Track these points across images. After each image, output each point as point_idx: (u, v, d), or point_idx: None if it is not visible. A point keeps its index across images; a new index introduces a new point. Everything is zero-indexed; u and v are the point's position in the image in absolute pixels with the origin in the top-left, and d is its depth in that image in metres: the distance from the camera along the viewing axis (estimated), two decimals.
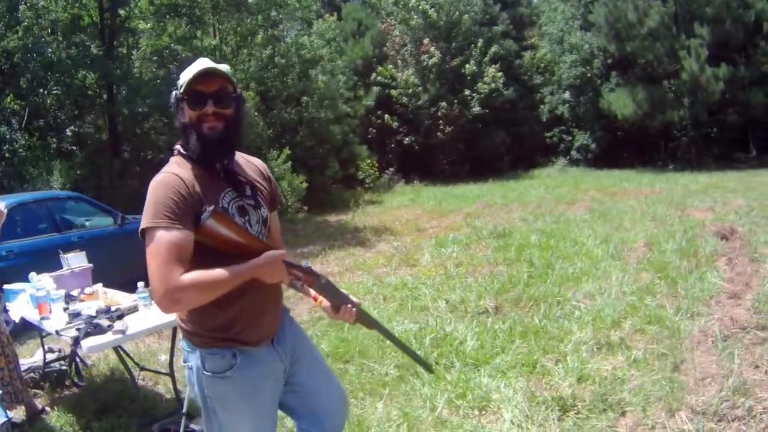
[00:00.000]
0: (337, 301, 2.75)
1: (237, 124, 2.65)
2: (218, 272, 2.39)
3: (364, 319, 2.85)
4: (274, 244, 2.77)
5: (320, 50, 25.28)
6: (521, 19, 39.15)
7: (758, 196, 15.55)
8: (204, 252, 2.45)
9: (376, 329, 2.92)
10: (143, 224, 2.44)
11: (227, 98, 2.59)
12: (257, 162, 2.95)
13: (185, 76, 2.56)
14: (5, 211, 5.05)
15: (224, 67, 2.60)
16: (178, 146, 2.66)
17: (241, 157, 2.83)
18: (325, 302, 2.77)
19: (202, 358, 2.62)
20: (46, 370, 5.95)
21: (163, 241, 2.38)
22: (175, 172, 2.52)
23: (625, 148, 32.66)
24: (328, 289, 2.71)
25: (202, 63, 2.58)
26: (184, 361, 2.74)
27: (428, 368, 3.24)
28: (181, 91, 2.57)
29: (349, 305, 2.75)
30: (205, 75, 2.53)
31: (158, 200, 2.43)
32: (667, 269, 8.55)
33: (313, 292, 2.76)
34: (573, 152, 33.89)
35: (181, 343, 2.76)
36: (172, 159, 2.64)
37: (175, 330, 5.15)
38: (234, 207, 2.61)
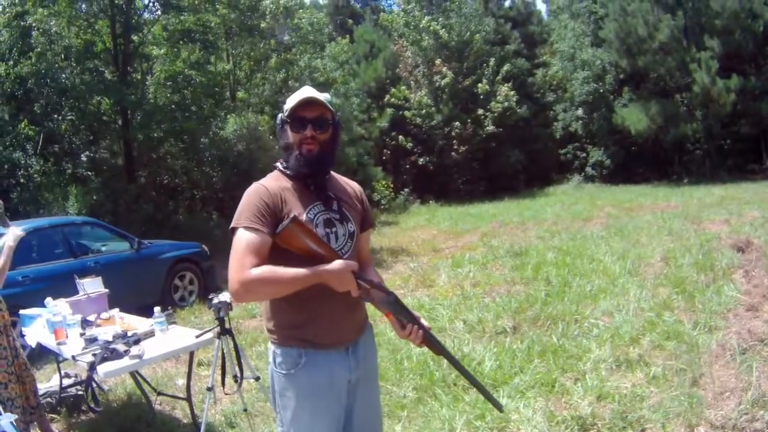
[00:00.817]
0: (404, 319, 2.79)
1: (332, 147, 2.87)
2: (285, 270, 2.55)
3: (430, 343, 2.87)
4: (361, 262, 2.93)
5: (333, 73, 25.47)
6: (532, 38, 39.30)
7: None
8: (285, 257, 2.59)
9: (444, 356, 2.94)
10: (232, 224, 2.69)
11: (324, 124, 2.80)
12: (353, 185, 3.10)
13: (290, 101, 2.78)
14: (23, 234, 5.08)
15: (325, 96, 2.81)
16: (278, 163, 2.88)
17: (338, 179, 3.04)
18: (394, 320, 2.82)
19: (275, 354, 2.78)
20: (62, 395, 5.92)
21: (242, 239, 2.60)
22: (264, 183, 2.76)
23: (640, 162, 32.59)
24: (395, 306, 2.77)
25: (307, 91, 2.79)
26: (268, 357, 2.87)
27: (498, 406, 3.17)
28: (286, 115, 2.79)
29: (416, 326, 2.80)
30: (307, 103, 2.74)
31: (244, 205, 2.68)
32: (684, 284, 8.49)
33: (385, 307, 2.81)
34: (588, 168, 33.89)
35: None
36: (270, 174, 2.87)
37: (192, 354, 5.15)
38: (320, 219, 2.77)
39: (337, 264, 2.59)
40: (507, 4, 40.46)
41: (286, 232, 2.57)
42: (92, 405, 5.92)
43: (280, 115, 2.83)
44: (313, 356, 2.71)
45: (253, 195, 2.68)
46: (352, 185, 3.07)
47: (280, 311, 2.76)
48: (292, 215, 2.61)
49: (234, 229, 2.66)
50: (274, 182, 2.76)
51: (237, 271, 2.55)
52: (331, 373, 2.75)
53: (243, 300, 2.72)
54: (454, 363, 2.98)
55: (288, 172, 2.79)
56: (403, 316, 2.78)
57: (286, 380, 2.73)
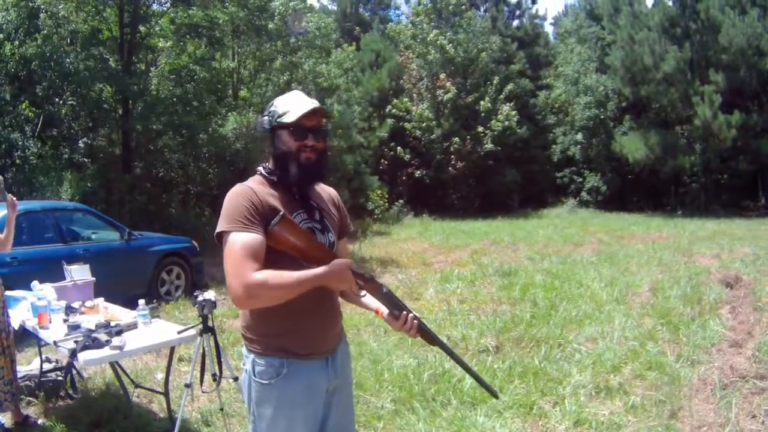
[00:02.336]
0: (397, 311, 2.80)
1: (326, 155, 2.87)
2: (289, 274, 2.52)
3: (424, 333, 2.87)
4: None
5: (337, 79, 25.48)
6: (538, 59, 39.44)
7: (765, 245, 15.51)
8: (277, 259, 2.58)
9: (438, 345, 2.95)
10: (219, 229, 2.63)
11: (323, 133, 2.81)
12: (330, 190, 3.10)
13: (287, 106, 2.75)
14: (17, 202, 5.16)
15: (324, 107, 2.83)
16: (261, 168, 2.84)
17: (316, 185, 2.99)
18: (386, 312, 2.83)
19: (254, 364, 2.73)
20: (41, 379, 5.90)
21: (237, 242, 2.55)
22: (249, 185, 2.71)
23: (636, 191, 32.70)
24: (388, 298, 2.79)
25: (305, 98, 2.80)
26: (243, 364, 2.84)
27: (493, 393, 3.22)
28: (285, 120, 2.73)
29: (410, 315, 2.81)
30: (312, 111, 2.72)
31: (232, 207, 2.62)
32: (670, 315, 8.50)
33: (373, 304, 2.87)
34: (583, 193, 33.93)
35: (242, 348, 2.85)
36: (252, 178, 2.82)
37: (172, 350, 5.15)
38: (304, 227, 2.73)
39: (336, 263, 2.59)
40: (515, 24, 40.65)
41: (277, 231, 2.57)
42: (70, 392, 5.92)
43: (266, 118, 2.79)
44: (294, 367, 2.70)
45: (240, 196, 2.64)
46: (329, 191, 3.07)
47: (263, 321, 2.72)
48: (281, 212, 2.60)
49: (223, 234, 2.61)
50: (258, 186, 2.73)
51: (237, 276, 2.50)
52: (311, 384, 2.75)
53: (246, 306, 2.66)
54: (448, 351, 2.97)
55: (272, 178, 2.77)
56: (396, 308, 2.80)
57: (264, 390, 2.71)
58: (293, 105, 2.74)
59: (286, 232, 2.58)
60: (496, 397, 3.30)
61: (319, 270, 2.55)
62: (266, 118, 2.78)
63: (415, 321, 2.81)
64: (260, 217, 2.60)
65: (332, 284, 2.63)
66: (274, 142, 2.77)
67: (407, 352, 7.15)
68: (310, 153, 2.73)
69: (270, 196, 2.69)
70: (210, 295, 4.70)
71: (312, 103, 2.75)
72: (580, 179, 34.48)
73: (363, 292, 2.80)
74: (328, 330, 2.85)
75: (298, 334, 2.70)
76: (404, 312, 2.80)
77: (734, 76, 27.24)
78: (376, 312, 2.88)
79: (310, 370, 2.74)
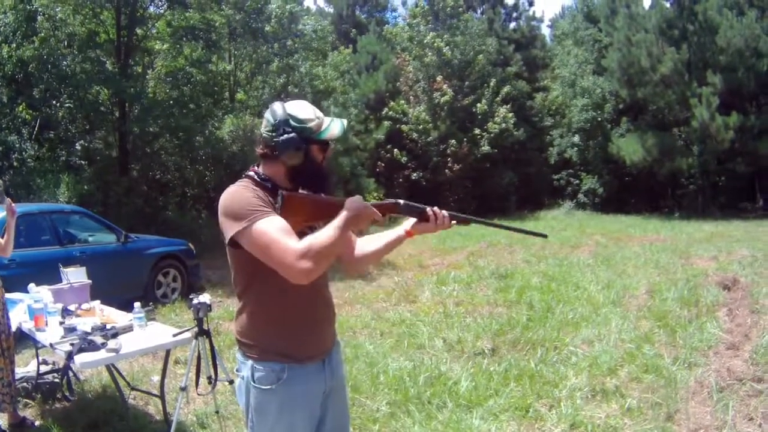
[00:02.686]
0: (421, 213, 2.85)
1: None
2: (324, 230, 2.54)
3: (456, 218, 2.92)
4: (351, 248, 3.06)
5: (333, 82, 25.53)
6: (534, 61, 39.42)
7: (763, 247, 15.51)
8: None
9: (474, 222, 3.04)
10: (236, 229, 2.56)
11: None
12: None
13: (315, 120, 2.74)
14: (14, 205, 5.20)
15: None
16: (252, 173, 2.80)
17: None
18: (418, 225, 2.88)
19: (253, 370, 2.71)
20: (38, 381, 5.93)
21: (264, 228, 2.51)
22: (244, 185, 2.70)
23: (633, 193, 32.71)
24: (408, 208, 2.84)
25: (318, 112, 2.80)
26: (237, 370, 2.84)
27: (542, 235, 3.30)
28: (321, 137, 2.74)
29: (436, 209, 2.85)
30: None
31: (239, 203, 2.59)
32: (666, 318, 8.51)
33: (396, 233, 2.95)
34: (580, 195, 33.95)
35: (237, 354, 2.84)
36: (241, 181, 2.77)
37: (168, 352, 5.14)
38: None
39: (351, 201, 2.63)
40: (512, 26, 40.63)
41: (287, 209, 2.60)
42: (67, 394, 5.93)
43: (294, 135, 2.67)
44: (294, 371, 2.69)
45: (244, 191, 2.63)
46: None
47: (260, 325, 2.72)
48: (280, 192, 2.63)
49: (242, 232, 2.53)
50: (252, 186, 2.70)
51: (289, 253, 2.46)
52: (310, 388, 2.76)
53: (313, 276, 2.53)
54: (485, 222, 3.10)
55: (266, 184, 2.73)
56: (419, 213, 2.85)
57: (264, 396, 2.69)
58: (324, 121, 2.77)
59: (295, 204, 2.62)
60: (545, 236, 3.38)
61: (341, 215, 2.57)
62: (294, 134, 2.68)
63: (443, 212, 2.85)
64: (269, 205, 2.60)
65: (360, 220, 2.63)
66: (306, 157, 2.72)
67: (403, 355, 7.16)
68: (324, 161, 2.81)
69: (267, 197, 2.66)
70: (205, 298, 4.70)
71: (340, 121, 2.79)
72: (577, 181, 34.51)
73: (386, 217, 2.80)
74: (326, 330, 2.87)
75: (296, 336, 2.71)
76: (428, 210, 2.84)
77: (732, 77, 27.26)
78: (408, 234, 2.92)
79: (310, 374, 2.75)
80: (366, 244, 3.05)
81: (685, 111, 28.10)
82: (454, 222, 2.89)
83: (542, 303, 9.63)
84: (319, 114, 2.77)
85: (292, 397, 2.70)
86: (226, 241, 2.60)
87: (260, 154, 2.78)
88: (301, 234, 2.56)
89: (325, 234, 2.50)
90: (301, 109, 2.74)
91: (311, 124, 2.71)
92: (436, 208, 2.85)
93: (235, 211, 2.57)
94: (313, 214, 2.66)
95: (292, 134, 2.67)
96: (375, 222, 2.75)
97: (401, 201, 2.83)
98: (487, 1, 39.61)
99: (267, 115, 2.76)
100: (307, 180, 2.75)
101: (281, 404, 2.68)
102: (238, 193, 2.62)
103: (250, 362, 2.72)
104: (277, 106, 2.74)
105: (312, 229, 2.63)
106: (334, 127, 2.75)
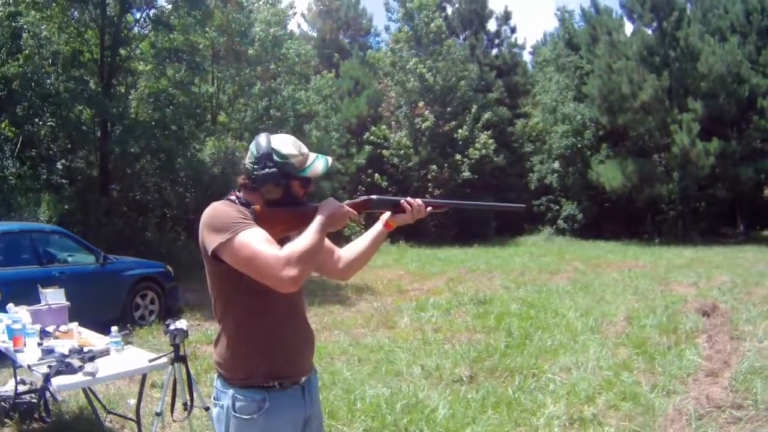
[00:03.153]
0: (396, 206, 2.92)
1: None
2: (303, 235, 2.56)
3: (430, 204, 2.98)
4: (329, 253, 3.07)
5: (316, 106, 25.54)
6: (516, 88, 39.68)
7: (743, 273, 15.64)
8: None
9: (450, 207, 3.15)
10: (219, 241, 2.54)
11: None
12: None
13: (300, 157, 2.77)
14: None
15: None
16: (233, 196, 2.78)
17: None
18: (395, 217, 2.97)
19: (234, 399, 2.67)
20: (16, 401, 5.89)
21: (247, 240, 2.50)
22: (224, 202, 2.71)
23: (612, 219, 32.85)
24: (382, 202, 2.91)
25: (304, 148, 2.83)
26: (215, 399, 2.78)
27: (519, 208, 3.40)
28: (303, 174, 2.77)
29: (410, 199, 2.92)
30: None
31: (220, 216, 2.59)
32: (645, 345, 8.53)
33: (375, 231, 3.01)
34: (560, 221, 34.12)
35: (215, 382, 2.79)
36: (222, 201, 2.76)
37: (144, 377, 5.11)
38: None
39: (325, 204, 2.70)
40: (494, 52, 40.90)
41: (263, 222, 2.60)
42: (44, 415, 5.88)
43: (275, 170, 2.68)
44: (276, 399, 2.67)
45: (225, 205, 2.65)
46: None
47: (240, 351, 2.68)
48: (251, 207, 2.65)
49: (225, 244, 2.51)
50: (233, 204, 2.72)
51: (274, 262, 2.45)
52: (292, 416, 2.74)
53: (300, 282, 2.52)
54: (461, 204, 3.35)
55: (249, 210, 2.68)
56: (393, 205, 2.92)
57: (245, 426, 2.65)
58: (309, 158, 2.80)
59: (267, 217, 2.62)
60: (522, 209, 3.50)
61: (317, 217, 2.61)
62: (275, 170, 2.68)
63: (417, 200, 2.92)
64: (249, 219, 2.59)
65: (335, 221, 2.67)
66: (286, 193, 2.74)
67: (380, 382, 7.15)
68: (304, 197, 2.83)
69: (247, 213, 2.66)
70: (182, 324, 4.69)
71: (325, 159, 2.83)
72: (557, 207, 34.69)
73: (361, 216, 2.86)
74: (306, 353, 2.87)
75: (278, 359, 2.69)
76: (402, 201, 2.91)
77: (713, 103, 27.51)
78: (387, 226, 2.98)
79: (291, 401, 2.73)
80: (349, 249, 3.07)
81: (666, 137, 28.29)
82: (429, 209, 2.96)
83: (521, 330, 9.64)
84: (305, 150, 2.79)
85: (273, 427, 2.67)
86: (209, 253, 2.57)
87: (241, 184, 2.78)
88: (280, 242, 2.57)
89: (304, 239, 2.52)
90: (286, 144, 2.75)
91: (294, 160, 2.72)
92: (409, 198, 2.92)
93: (217, 224, 2.55)
94: (287, 224, 2.69)
95: (273, 169, 2.67)
96: (352, 220, 2.79)
97: (374, 196, 2.89)
98: (470, 27, 39.88)
99: (252, 146, 2.76)
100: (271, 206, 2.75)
101: None
102: (220, 208, 2.62)
103: (230, 391, 2.68)
104: (262, 139, 2.74)
105: (288, 239, 2.64)
106: (317, 165, 2.78)
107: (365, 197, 2.88)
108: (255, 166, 2.69)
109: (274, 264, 2.44)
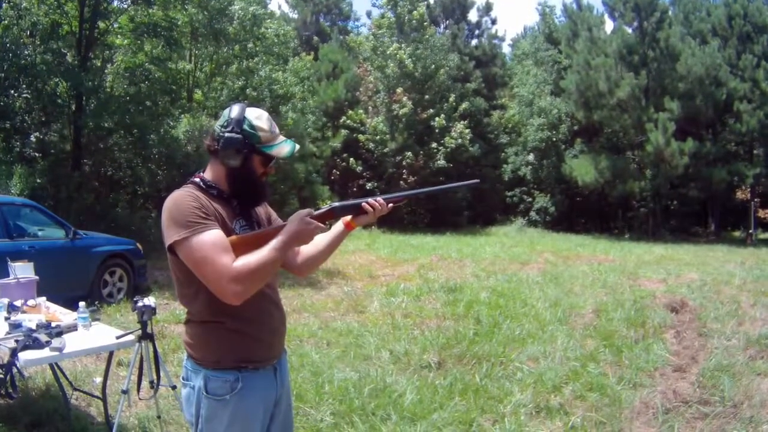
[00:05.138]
0: (356, 209, 2.93)
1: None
2: (261, 251, 2.53)
3: (390, 200, 3.01)
4: (294, 256, 3.08)
5: (293, 87, 25.41)
6: (494, 79, 39.83)
7: (712, 271, 15.81)
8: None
9: (408, 197, 3.18)
10: (172, 239, 2.53)
11: None
12: (266, 207, 3.09)
13: (270, 138, 2.76)
14: None
15: None
16: (198, 179, 2.78)
17: None
18: (356, 218, 2.98)
19: (206, 379, 2.66)
20: None
21: (202, 242, 2.49)
22: (188, 191, 2.66)
23: (584, 213, 33.18)
24: (344, 208, 2.92)
25: (274, 126, 2.81)
26: (185, 379, 2.75)
27: (473, 184, 3.37)
28: (267, 150, 2.75)
29: (372, 200, 2.92)
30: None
31: (181, 211, 2.55)
32: (613, 338, 8.58)
33: (336, 230, 3.02)
34: (532, 213, 34.35)
35: (185, 362, 2.77)
36: (186, 186, 2.75)
37: (111, 354, 5.07)
38: (242, 233, 2.73)
39: (294, 218, 2.65)
40: (474, 42, 40.96)
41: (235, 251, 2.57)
42: (10, 391, 5.81)
43: (239, 136, 2.67)
44: (248, 380, 2.66)
45: (187, 199, 2.59)
46: (265, 207, 3.09)
47: (213, 334, 2.66)
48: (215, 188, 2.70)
49: (179, 243, 2.51)
50: (196, 192, 2.67)
51: (222, 275, 2.45)
52: (264, 396, 2.74)
53: (244, 297, 2.51)
54: (416, 193, 3.25)
55: (211, 191, 2.72)
56: (355, 207, 2.93)
57: (217, 406, 2.64)
58: (277, 138, 2.78)
59: (240, 245, 2.57)
60: (478, 183, 3.48)
61: (279, 236, 2.58)
62: (240, 136, 2.68)
63: (378, 199, 2.93)
64: (210, 214, 2.58)
65: (301, 236, 2.64)
66: (245, 163, 2.72)
67: (349, 365, 7.14)
68: (265, 176, 2.81)
69: (210, 204, 2.65)
70: (150, 301, 4.66)
71: (293, 144, 2.80)
72: (530, 199, 34.92)
73: (327, 225, 2.83)
74: (278, 333, 2.85)
75: (250, 340, 2.68)
76: (363, 204, 2.91)
77: (690, 104, 27.79)
78: (348, 226, 2.99)
79: (263, 382, 2.73)
80: (309, 247, 3.03)
81: (641, 135, 28.53)
82: (390, 205, 2.97)
83: (489, 318, 9.66)
84: (276, 130, 2.78)
85: (245, 407, 2.66)
86: (166, 247, 2.58)
87: (206, 146, 2.77)
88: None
89: (259, 256, 2.50)
90: (259, 117, 2.74)
91: (261, 134, 2.72)
92: (370, 200, 2.91)
93: (176, 219, 2.54)
94: (255, 246, 2.59)
95: (239, 135, 2.67)
96: (319, 231, 2.75)
97: (336, 204, 2.90)
98: (452, 16, 39.92)
99: (226, 111, 2.77)
100: (242, 187, 2.75)
101: (234, 414, 2.64)
102: (180, 201, 2.59)
103: (202, 372, 2.66)
104: (238, 106, 2.75)
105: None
106: (284, 147, 2.77)
107: (328, 206, 2.86)
108: (223, 129, 2.69)
109: (222, 276, 2.45)
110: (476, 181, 3.39)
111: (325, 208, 2.84)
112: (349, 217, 2.95)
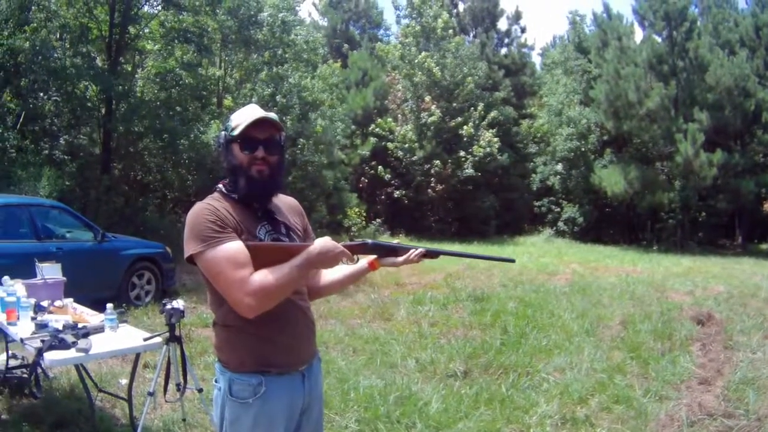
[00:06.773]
0: (387, 251, 2.89)
1: (281, 169, 2.83)
2: (281, 268, 2.52)
3: (428, 253, 2.96)
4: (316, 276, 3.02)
5: (322, 95, 25.44)
6: (523, 88, 39.67)
7: (739, 284, 15.62)
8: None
9: (444, 254, 3.09)
10: (188, 253, 2.58)
11: (276, 145, 2.76)
12: (291, 200, 3.08)
13: (238, 119, 2.72)
14: None
15: (273, 116, 2.76)
16: (220, 185, 2.80)
17: (278, 197, 2.95)
18: (383, 259, 2.90)
19: (230, 382, 2.67)
20: (7, 375, 5.85)
21: (220, 257, 2.50)
22: (208, 203, 2.66)
23: (612, 224, 32.91)
24: (378, 247, 2.87)
25: (257, 110, 2.76)
26: (216, 381, 2.79)
27: (509, 260, 3.45)
28: (234, 133, 2.70)
29: (412, 250, 2.90)
30: (260, 122, 2.69)
31: (198, 225, 2.57)
32: (639, 349, 8.51)
33: (363, 263, 2.91)
34: (560, 223, 34.11)
35: (215, 365, 2.79)
36: (210, 196, 2.76)
37: (137, 356, 5.09)
38: (269, 239, 2.73)
39: (319, 240, 2.61)
40: (503, 51, 40.83)
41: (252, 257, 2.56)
42: (35, 390, 5.85)
43: (223, 133, 2.76)
44: (272, 384, 2.65)
45: (204, 212, 2.59)
46: (289, 201, 3.05)
47: (238, 337, 2.67)
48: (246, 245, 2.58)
49: (197, 256, 2.55)
50: (218, 203, 2.67)
51: (238, 289, 2.47)
52: (289, 402, 2.72)
53: (257, 312, 2.52)
54: (453, 253, 3.22)
55: (233, 195, 2.73)
56: (391, 249, 2.88)
57: (240, 409, 2.64)
58: (243, 118, 2.72)
59: (260, 253, 2.56)
60: (513, 261, 3.56)
61: (303, 253, 2.56)
62: (223, 132, 2.76)
63: (417, 249, 2.90)
64: (229, 226, 2.57)
65: (324, 259, 2.61)
66: (227, 157, 2.74)
67: (375, 373, 7.13)
68: (261, 165, 2.70)
69: (232, 213, 2.64)
70: (178, 303, 4.67)
71: (260, 113, 2.73)
72: (558, 209, 34.67)
73: (355, 257, 2.80)
74: (305, 339, 2.82)
75: (274, 345, 2.67)
76: (399, 249, 2.89)
77: (719, 115, 27.48)
78: (371, 265, 2.91)
79: (288, 387, 2.71)
80: (330, 273, 3.01)
81: (670, 146, 28.23)
82: (423, 258, 2.93)
83: (516, 328, 9.62)
84: (254, 114, 2.72)
85: (268, 412, 2.65)
86: (185, 257, 2.60)
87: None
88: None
89: (279, 274, 2.50)
90: (239, 112, 2.78)
91: (233, 123, 2.72)
92: (412, 250, 2.89)
93: (193, 232, 2.56)
94: (279, 261, 2.57)
95: (222, 133, 2.75)
96: (346, 260, 2.75)
97: (369, 241, 2.85)
98: (481, 24, 39.83)
99: None
100: (237, 184, 2.72)
101: (256, 418, 2.64)
102: (198, 214, 2.59)
103: (227, 374, 2.68)
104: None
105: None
106: (245, 122, 2.68)
107: (361, 241, 2.83)
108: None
109: (238, 290, 2.47)
110: (512, 260, 3.50)
111: (358, 241, 2.82)
112: (374, 257, 2.90)
